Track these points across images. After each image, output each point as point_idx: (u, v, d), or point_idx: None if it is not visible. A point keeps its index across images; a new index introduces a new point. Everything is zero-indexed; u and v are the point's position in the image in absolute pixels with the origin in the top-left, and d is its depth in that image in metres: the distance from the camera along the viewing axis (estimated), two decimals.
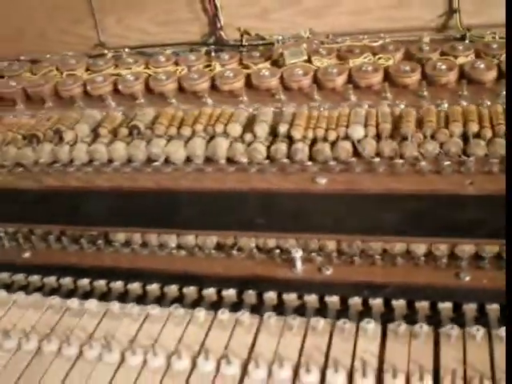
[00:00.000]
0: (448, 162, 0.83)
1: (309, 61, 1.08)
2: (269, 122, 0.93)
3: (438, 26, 1.19)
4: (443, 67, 0.99)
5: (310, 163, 0.87)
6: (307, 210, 0.87)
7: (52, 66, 1.23)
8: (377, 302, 0.88)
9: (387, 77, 1.01)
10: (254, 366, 0.78)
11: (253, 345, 0.82)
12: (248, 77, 1.07)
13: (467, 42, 1.08)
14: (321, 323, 0.83)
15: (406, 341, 0.80)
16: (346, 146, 0.87)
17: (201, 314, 0.88)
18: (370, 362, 0.76)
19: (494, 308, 0.83)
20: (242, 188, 0.89)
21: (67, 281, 1.02)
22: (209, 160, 0.92)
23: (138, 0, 1.31)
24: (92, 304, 0.93)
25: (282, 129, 0.90)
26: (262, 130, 0.91)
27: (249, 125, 0.93)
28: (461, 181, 0.81)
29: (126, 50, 1.27)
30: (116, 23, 1.36)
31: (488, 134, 0.83)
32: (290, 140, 0.90)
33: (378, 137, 0.87)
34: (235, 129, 0.92)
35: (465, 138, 0.84)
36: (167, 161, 0.93)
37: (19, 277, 1.05)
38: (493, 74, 0.96)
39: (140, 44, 1.33)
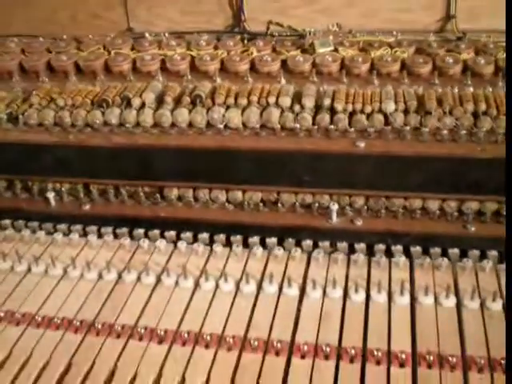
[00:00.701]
0: (463, 132, 1.06)
1: (336, 50, 1.30)
2: (313, 96, 1.13)
3: (436, 29, 1.42)
4: (450, 61, 1.22)
5: (351, 129, 1.08)
6: (347, 170, 1.09)
7: (98, 44, 1.40)
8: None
9: (404, 66, 1.24)
10: (311, 288, 0.99)
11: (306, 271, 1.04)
12: (283, 61, 1.28)
13: (466, 42, 1.33)
14: (361, 257, 1.05)
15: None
16: (380, 117, 1.09)
17: (258, 251, 1.08)
18: (405, 285, 0.98)
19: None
20: (291, 149, 1.09)
21: (123, 231, 1.19)
22: (263, 126, 1.12)
23: None
24: (161, 243, 1.11)
25: (326, 102, 1.11)
26: (309, 101, 1.11)
27: (296, 98, 1.14)
28: (473, 147, 1.05)
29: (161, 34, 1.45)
30: (146, 11, 1.54)
31: (494, 112, 1.07)
32: (332, 111, 1.11)
33: (406, 111, 1.09)
34: (286, 100, 1.12)
35: (475, 114, 1.08)
36: (226, 126, 1.13)
37: (77, 227, 1.21)
38: (491, 68, 1.20)
39: (168, 32, 1.51)
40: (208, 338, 0.91)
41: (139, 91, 1.19)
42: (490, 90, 1.14)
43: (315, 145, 1.08)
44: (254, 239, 1.13)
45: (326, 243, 1.12)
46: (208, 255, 1.09)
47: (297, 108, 1.11)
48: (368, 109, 1.09)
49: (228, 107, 1.14)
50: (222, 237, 1.14)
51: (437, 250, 1.08)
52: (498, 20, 1.29)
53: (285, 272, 1.04)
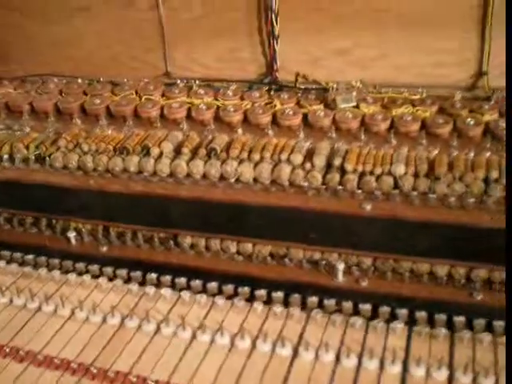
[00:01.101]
0: (472, 200, 1.06)
1: (357, 107, 1.32)
2: (325, 154, 1.16)
3: (467, 85, 1.42)
4: (471, 123, 1.22)
5: (358, 191, 1.10)
6: (353, 230, 1.10)
7: (131, 89, 1.47)
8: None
9: (424, 126, 1.24)
10: (303, 349, 1.00)
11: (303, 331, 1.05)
12: (305, 115, 1.31)
13: (492, 102, 1.32)
14: (359, 321, 1.06)
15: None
16: (389, 180, 1.10)
17: (259, 306, 1.10)
18: (398, 353, 0.98)
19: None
20: (300, 207, 1.11)
21: (137, 274, 1.25)
22: (273, 182, 1.16)
23: (207, 37, 1.53)
24: (167, 292, 1.15)
25: (337, 162, 1.13)
26: (319, 160, 1.14)
27: (308, 156, 1.17)
28: (482, 216, 1.04)
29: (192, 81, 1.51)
30: (183, 55, 1.60)
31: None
32: (342, 171, 1.13)
33: (416, 175, 1.10)
34: (297, 158, 1.15)
35: (486, 181, 1.08)
36: (238, 179, 1.16)
37: (94, 268, 1.27)
38: None
39: (202, 77, 1.57)
40: None
41: (159, 140, 1.24)
42: None
43: (323, 203, 1.11)
44: (261, 292, 1.16)
45: (331, 301, 1.13)
46: (210, 306, 1.12)
47: (307, 166, 1.14)
48: (378, 170, 1.11)
49: (241, 161, 1.18)
50: (229, 287, 1.18)
51: (441, 317, 1.08)
52: None
53: (282, 330, 1.05)
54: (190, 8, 1.53)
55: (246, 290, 1.17)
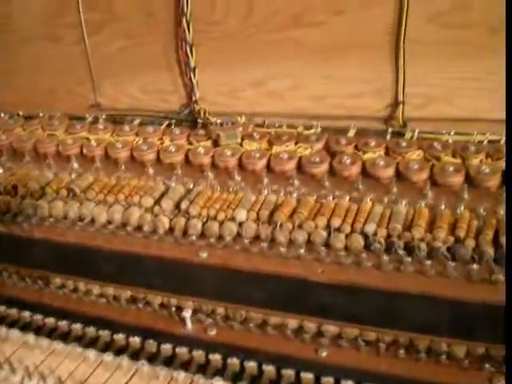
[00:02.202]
0: (302, 250, 1.00)
1: (241, 144, 1.29)
2: (176, 198, 1.13)
3: (384, 115, 1.36)
4: (348, 161, 1.17)
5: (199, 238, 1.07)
6: (190, 277, 1.08)
7: (39, 124, 1.50)
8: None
9: (299, 165, 1.20)
10: None
11: None
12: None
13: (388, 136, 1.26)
14: (182, 375, 1.02)
15: None
16: (232, 226, 1.06)
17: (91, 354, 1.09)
18: None
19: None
20: (141, 252, 1.10)
21: None
22: (124, 224, 1.15)
23: (131, 69, 1.55)
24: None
25: (184, 205, 1.11)
26: (166, 204, 1.12)
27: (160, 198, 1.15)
28: (313, 268, 0.99)
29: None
30: (112, 88, 1.63)
31: (347, 228, 1.01)
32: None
33: (258, 221, 1.06)
34: (147, 201, 1.14)
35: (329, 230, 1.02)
36: (93, 221, 1.16)
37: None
38: (390, 171, 1.13)
39: (129, 108, 1.59)
40: None
41: (28, 179, 1.26)
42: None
43: (162, 249, 1.09)
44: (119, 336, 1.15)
45: (183, 349, 1.10)
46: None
47: (156, 209, 1.12)
48: (221, 216, 1.08)
49: (99, 202, 1.17)
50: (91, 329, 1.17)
51: (289, 372, 1.03)
52: (448, 107, 1.27)
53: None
54: (113, 41, 1.56)
55: (107, 333, 1.16)
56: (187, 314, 1.09)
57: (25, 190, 1.23)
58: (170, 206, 1.11)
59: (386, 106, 1.35)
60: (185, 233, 1.08)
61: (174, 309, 1.12)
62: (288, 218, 1.03)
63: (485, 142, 1.19)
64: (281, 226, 1.02)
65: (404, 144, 1.19)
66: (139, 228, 1.12)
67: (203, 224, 1.08)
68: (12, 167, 1.36)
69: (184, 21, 1.42)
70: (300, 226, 1.02)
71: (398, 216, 1.00)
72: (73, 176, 1.26)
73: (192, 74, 1.47)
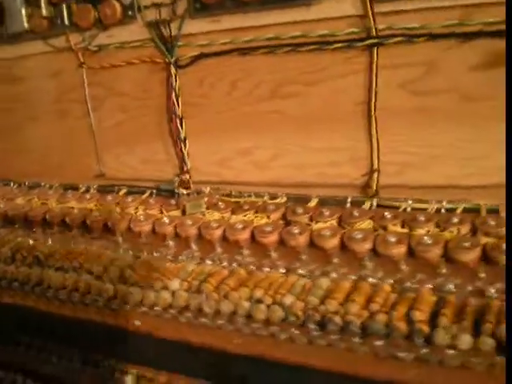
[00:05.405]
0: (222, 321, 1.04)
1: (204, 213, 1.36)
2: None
3: (362, 183, 1.40)
4: (296, 231, 1.20)
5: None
6: None
7: (37, 194, 1.65)
8: None
9: (252, 235, 1.25)
10: None
11: None
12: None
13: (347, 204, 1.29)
14: None
15: None
16: (165, 295, 1.12)
17: None
18: None
19: None
20: None
21: None
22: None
23: (130, 141, 1.69)
24: None
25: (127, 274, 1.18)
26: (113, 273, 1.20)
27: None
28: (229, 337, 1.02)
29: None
30: (114, 159, 1.75)
31: (268, 300, 1.04)
32: None
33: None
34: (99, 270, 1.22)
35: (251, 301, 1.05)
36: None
37: None
38: (335, 242, 1.16)
39: (130, 178, 1.71)
40: None
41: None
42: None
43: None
44: None
45: None
46: None
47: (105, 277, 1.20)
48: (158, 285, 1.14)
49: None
50: None
51: None
52: (423, 174, 1.29)
53: None
54: (112, 115, 1.70)
55: None
56: None
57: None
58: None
59: (362, 175, 1.38)
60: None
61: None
62: (214, 289, 1.07)
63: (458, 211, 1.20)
64: (207, 296, 1.06)
65: (357, 214, 1.21)
66: None
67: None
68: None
69: (173, 95, 1.52)
70: (225, 297, 1.06)
71: (317, 289, 1.02)
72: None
73: (183, 145, 1.56)
